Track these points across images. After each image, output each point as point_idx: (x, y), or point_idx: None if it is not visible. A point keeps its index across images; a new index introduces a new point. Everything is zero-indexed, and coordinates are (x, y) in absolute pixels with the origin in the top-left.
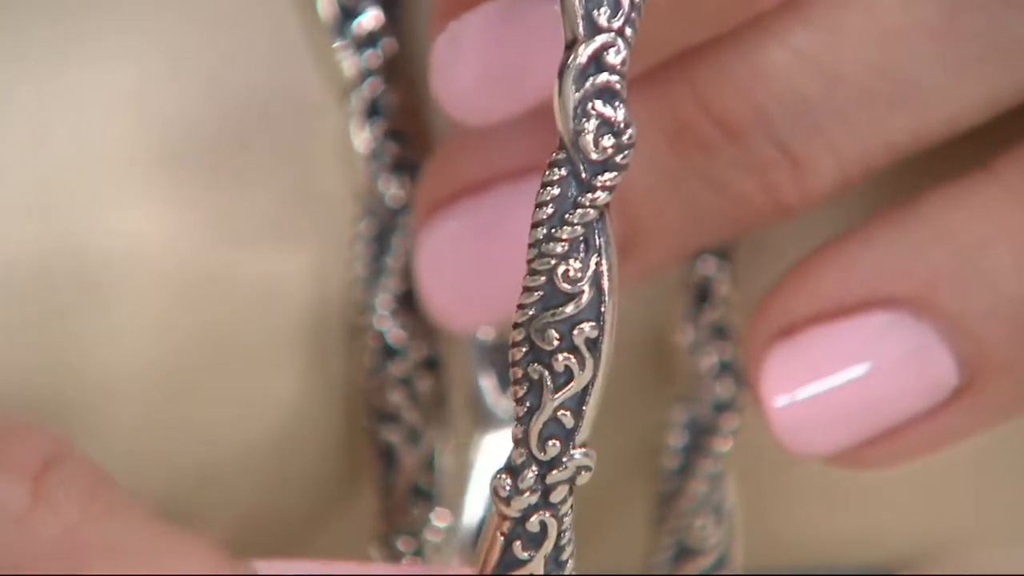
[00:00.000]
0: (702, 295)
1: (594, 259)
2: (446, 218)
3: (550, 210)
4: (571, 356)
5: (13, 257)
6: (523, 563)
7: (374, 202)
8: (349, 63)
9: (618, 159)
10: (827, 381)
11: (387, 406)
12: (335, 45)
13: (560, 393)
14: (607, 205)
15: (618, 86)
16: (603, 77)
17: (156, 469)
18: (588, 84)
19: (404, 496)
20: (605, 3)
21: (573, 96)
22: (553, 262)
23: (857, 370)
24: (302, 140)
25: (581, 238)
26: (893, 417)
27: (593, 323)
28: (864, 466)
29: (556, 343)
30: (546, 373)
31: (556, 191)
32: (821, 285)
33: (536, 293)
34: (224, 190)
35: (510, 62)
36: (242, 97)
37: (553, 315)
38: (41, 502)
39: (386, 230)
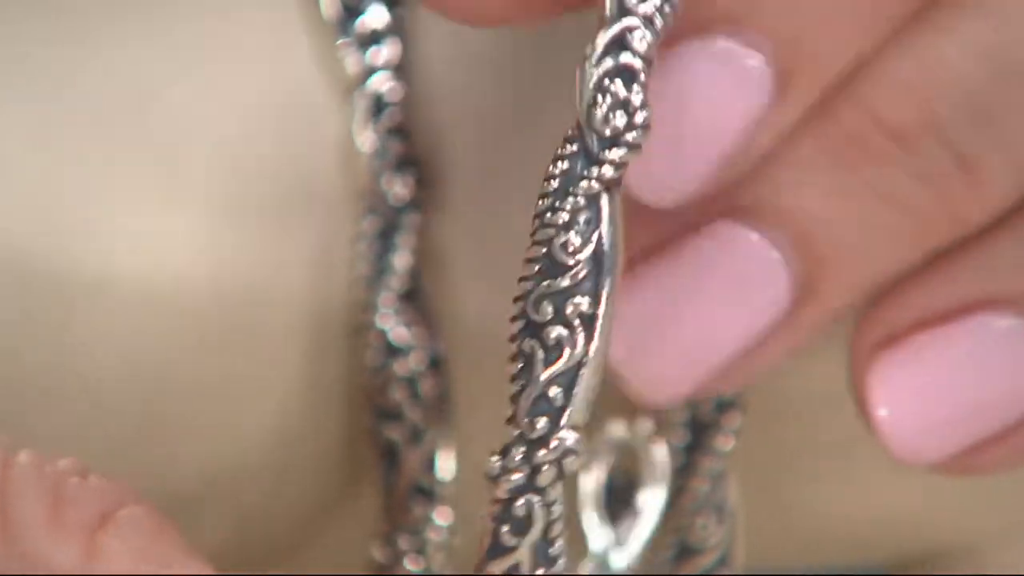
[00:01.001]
0: None
1: (595, 234)
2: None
3: (556, 183)
4: (564, 330)
5: (13, 256)
6: (509, 551)
7: (377, 200)
8: (352, 61)
9: (629, 137)
10: (933, 387)
11: (389, 405)
12: (338, 43)
13: (550, 368)
14: (616, 183)
15: (639, 68)
16: (624, 57)
17: (156, 468)
18: (608, 62)
19: (406, 495)
20: None
21: (592, 72)
22: (553, 233)
23: (963, 374)
24: (304, 138)
25: (584, 212)
26: (1003, 421)
27: (589, 299)
28: (975, 472)
29: (549, 316)
30: (538, 346)
31: (565, 165)
32: (923, 292)
33: (536, 265)
34: (225, 189)
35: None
36: (244, 95)
37: (548, 287)
38: (94, 560)
39: (389, 228)
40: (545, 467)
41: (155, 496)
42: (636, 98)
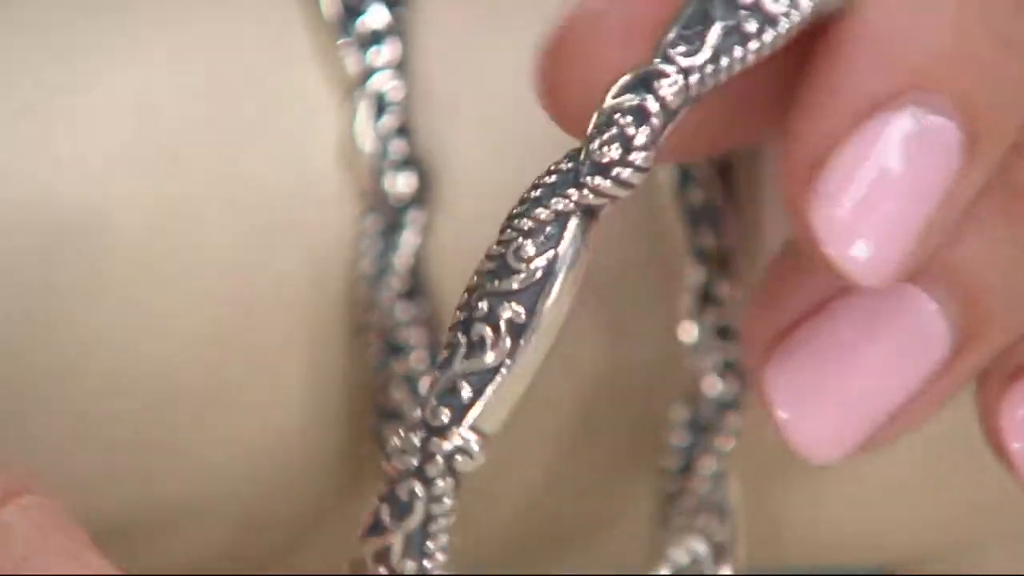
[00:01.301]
0: (705, 294)
1: (552, 252)
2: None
3: (537, 192)
4: (490, 332)
5: (12, 257)
6: (383, 531)
7: (378, 200)
8: (353, 61)
9: (620, 172)
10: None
11: (391, 404)
12: (339, 43)
13: (466, 363)
14: (593, 211)
15: (653, 112)
16: (644, 98)
17: (157, 467)
18: (628, 97)
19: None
20: (684, 42)
21: (609, 101)
22: (514, 236)
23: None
24: (305, 138)
25: (550, 227)
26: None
27: (524, 310)
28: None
29: (482, 314)
30: (463, 340)
31: (553, 177)
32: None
33: (491, 263)
34: (226, 188)
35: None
36: (245, 94)
37: (492, 287)
38: None
39: (390, 228)
40: (437, 458)
41: (156, 498)
42: (640, 138)
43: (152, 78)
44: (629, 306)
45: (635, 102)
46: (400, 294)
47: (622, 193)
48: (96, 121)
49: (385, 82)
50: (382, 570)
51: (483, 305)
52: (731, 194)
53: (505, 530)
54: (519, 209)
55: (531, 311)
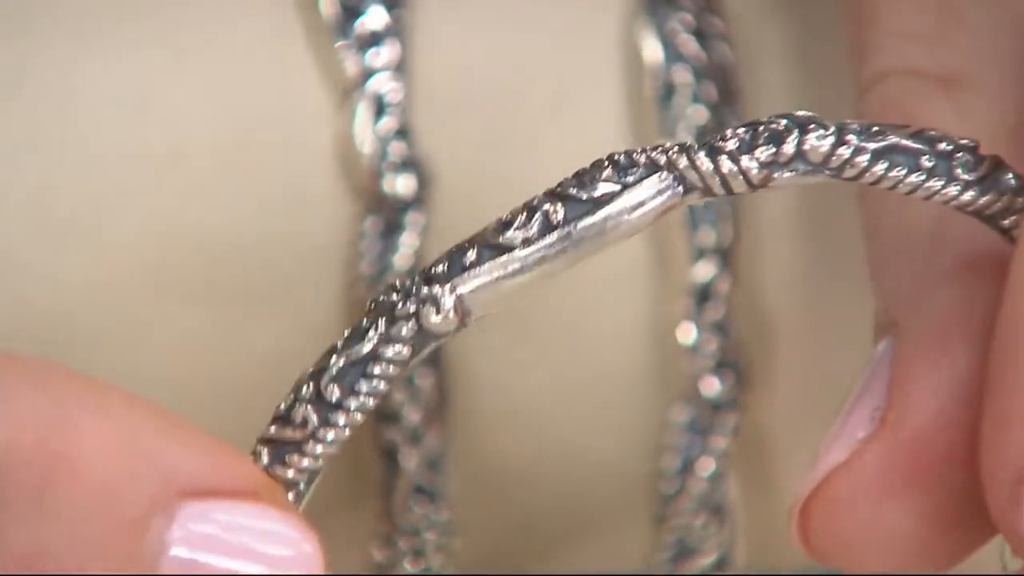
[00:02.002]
0: (704, 295)
1: (621, 186)
2: None
3: (648, 149)
4: (525, 216)
5: (11, 257)
6: (331, 352)
7: (378, 201)
8: (351, 62)
9: (726, 163)
10: None
11: (389, 405)
12: (337, 45)
13: (491, 235)
14: (684, 186)
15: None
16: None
17: None
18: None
19: (406, 495)
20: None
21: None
22: (604, 162)
23: None
24: (304, 140)
25: (640, 168)
26: None
27: (562, 211)
28: None
29: (536, 202)
30: (508, 216)
31: (668, 145)
32: None
33: (577, 175)
34: (225, 190)
35: None
36: (244, 96)
37: (560, 189)
38: None
39: (390, 229)
40: (409, 303)
41: None
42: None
43: (152, 80)
44: (629, 306)
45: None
46: None
47: (716, 185)
48: (96, 122)
49: (384, 84)
50: (305, 390)
51: (543, 199)
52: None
53: (505, 530)
54: (629, 150)
55: (567, 218)
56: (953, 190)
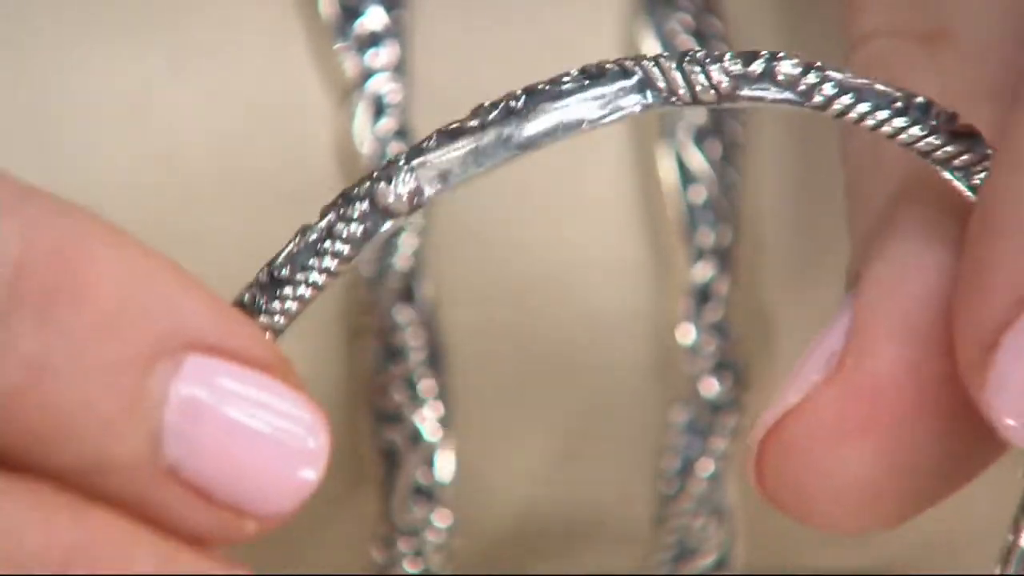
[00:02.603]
0: (703, 295)
1: (610, 102)
2: None
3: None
4: (500, 110)
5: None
6: (293, 238)
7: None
8: (351, 63)
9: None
10: None
11: (389, 406)
12: (336, 46)
13: (464, 123)
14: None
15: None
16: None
17: None
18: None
19: (406, 497)
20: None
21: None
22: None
23: None
24: (303, 141)
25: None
26: None
27: (528, 104)
28: None
29: (512, 94)
30: (487, 103)
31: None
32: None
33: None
34: (223, 191)
35: None
36: (243, 98)
37: (548, 85)
38: None
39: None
40: (367, 181)
41: None
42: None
43: (151, 81)
44: (628, 306)
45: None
46: (399, 296)
47: (682, 90)
48: (95, 124)
49: (383, 84)
50: (261, 275)
51: (510, 93)
52: (731, 194)
53: (504, 531)
54: (603, 60)
55: (527, 105)
56: (920, 131)
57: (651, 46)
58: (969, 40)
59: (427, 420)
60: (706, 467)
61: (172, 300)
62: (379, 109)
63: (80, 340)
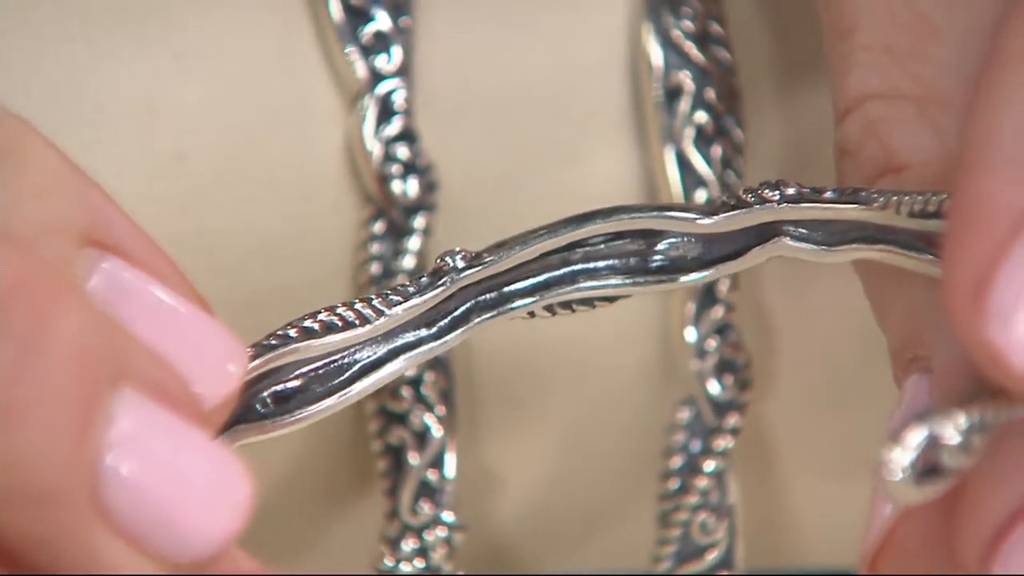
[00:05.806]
0: (704, 296)
1: None
2: None
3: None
4: None
5: None
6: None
7: (385, 204)
8: (360, 67)
9: None
10: None
11: (395, 406)
12: (346, 49)
13: None
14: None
15: None
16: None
17: None
18: None
19: (411, 496)
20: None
21: None
22: None
23: None
24: (312, 143)
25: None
26: None
27: None
28: None
29: None
30: None
31: None
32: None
33: None
34: (233, 194)
35: None
36: (252, 100)
37: None
38: None
39: (397, 231)
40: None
41: None
42: None
43: (160, 83)
44: (631, 307)
45: None
46: None
47: None
48: (104, 125)
49: (391, 88)
50: None
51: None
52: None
53: (511, 529)
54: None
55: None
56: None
57: (654, 50)
58: (963, 96)
59: (434, 420)
60: (708, 466)
61: None
62: (387, 112)
63: None
